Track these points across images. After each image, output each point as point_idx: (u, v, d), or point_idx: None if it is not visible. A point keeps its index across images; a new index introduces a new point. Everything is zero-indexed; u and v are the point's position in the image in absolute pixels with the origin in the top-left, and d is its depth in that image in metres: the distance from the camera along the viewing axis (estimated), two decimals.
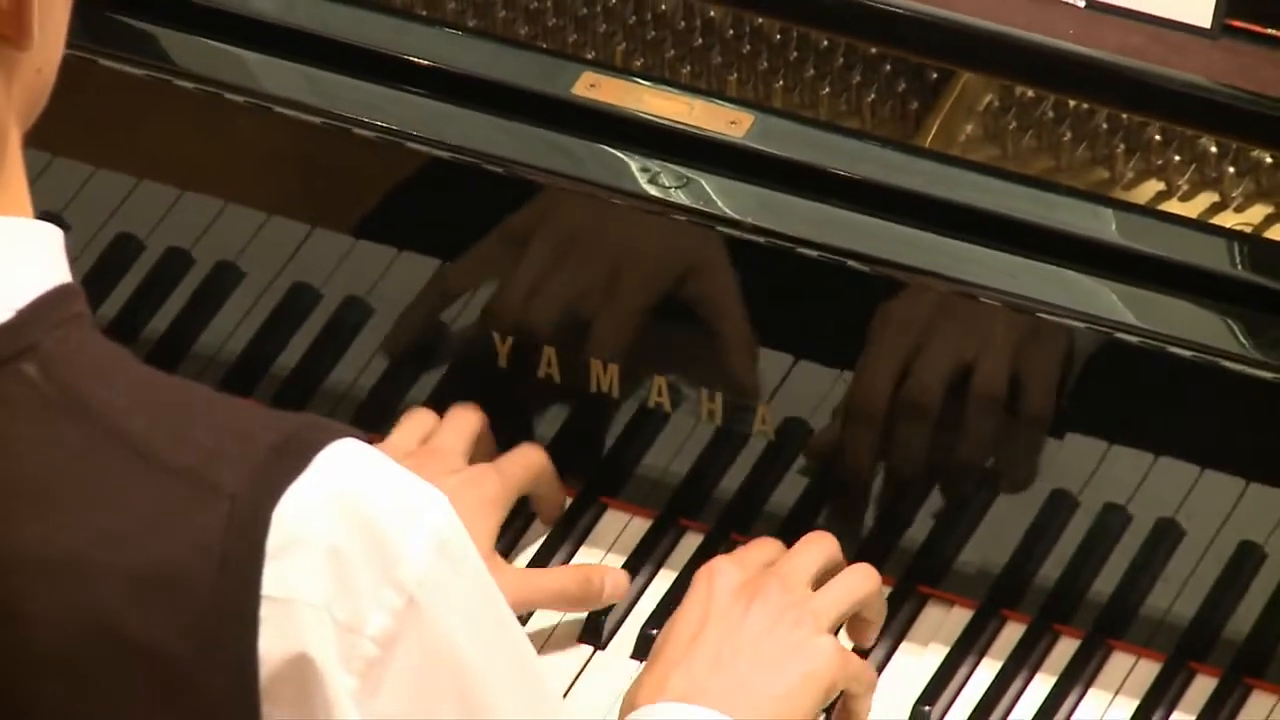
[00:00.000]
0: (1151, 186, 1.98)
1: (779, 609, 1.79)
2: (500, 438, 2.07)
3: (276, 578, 1.26)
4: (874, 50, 2.02)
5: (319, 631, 1.27)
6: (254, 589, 1.25)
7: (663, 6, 2.05)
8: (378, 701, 1.30)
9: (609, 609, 1.96)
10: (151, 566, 1.25)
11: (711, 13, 2.04)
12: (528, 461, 1.94)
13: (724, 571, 1.81)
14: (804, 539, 1.90)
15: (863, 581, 1.86)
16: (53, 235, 1.33)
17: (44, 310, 1.29)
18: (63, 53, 1.35)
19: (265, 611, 1.25)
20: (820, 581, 1.86)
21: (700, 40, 2.05)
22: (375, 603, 1.28)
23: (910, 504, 1.99)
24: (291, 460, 1.27)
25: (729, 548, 1.99)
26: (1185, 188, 1.98)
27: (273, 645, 1.26)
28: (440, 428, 1.94)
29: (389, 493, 1.31)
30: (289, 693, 1.27)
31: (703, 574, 1.81)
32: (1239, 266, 1.90)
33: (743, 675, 1.73)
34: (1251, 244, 1.92)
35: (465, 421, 1.94)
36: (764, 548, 1.88)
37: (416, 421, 1.95)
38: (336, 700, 1.28)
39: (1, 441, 1.27)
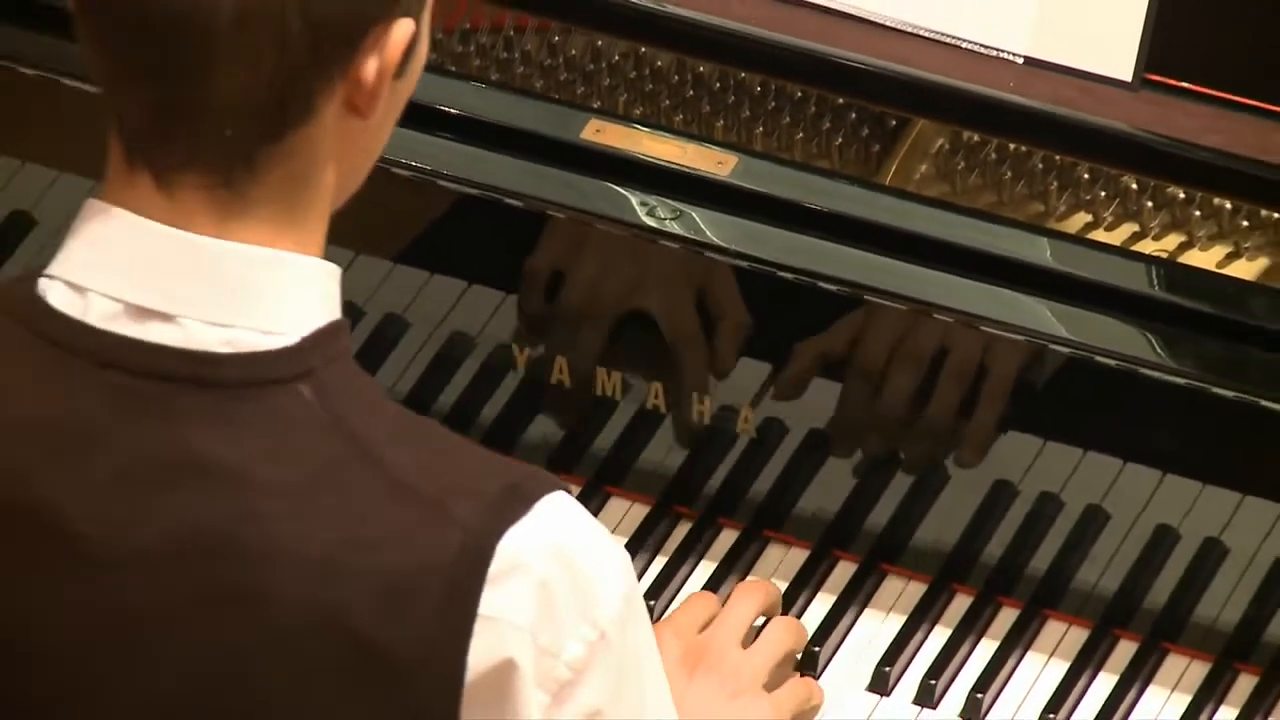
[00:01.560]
0: (1080, 218, 2.01)
1: (718, 680, 1.81)
2: (515, 436, 2.08)
3: (493, 600, 1.30)
4: (841, 100, 2.05)
5: (522, 650, 1.31)
6: (473, 607, 1.30)
7: (659, 63, 2.07)
8: (562, 712, 1.33)
9: None
10: (390, 576, 1.30)
11: (701, 68, 2.06)
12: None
13: (667, 644, 1.79)
14: (736, 592, 1.91)
15: (786, 636, 1.88)
16: (333, 274, 1.37)
17: (322, 341, 1.33)
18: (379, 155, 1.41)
19: (479, 627, 1.30)
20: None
21: (691, 92, 2.07)
22: (573, 633, 1.32)
23: (873, 491, 2.01)
24: (517, 504, 1.32)
25: (716, 531, 2.03)
26: (1110, 219, 2.01)
27: (480, 657, 1.30)
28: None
29: (593, 546, 1.35)
30: (485, 697, 1.32)
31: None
32: (1156, 288, 1.93)
33: None
34: (1167, 268, 1.96)
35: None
36: (698, 607, 1.89)
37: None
38: (522, 713, 1.32)
39: (274, 450, 1.31)
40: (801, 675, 1.91)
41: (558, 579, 1.31)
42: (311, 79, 1.31)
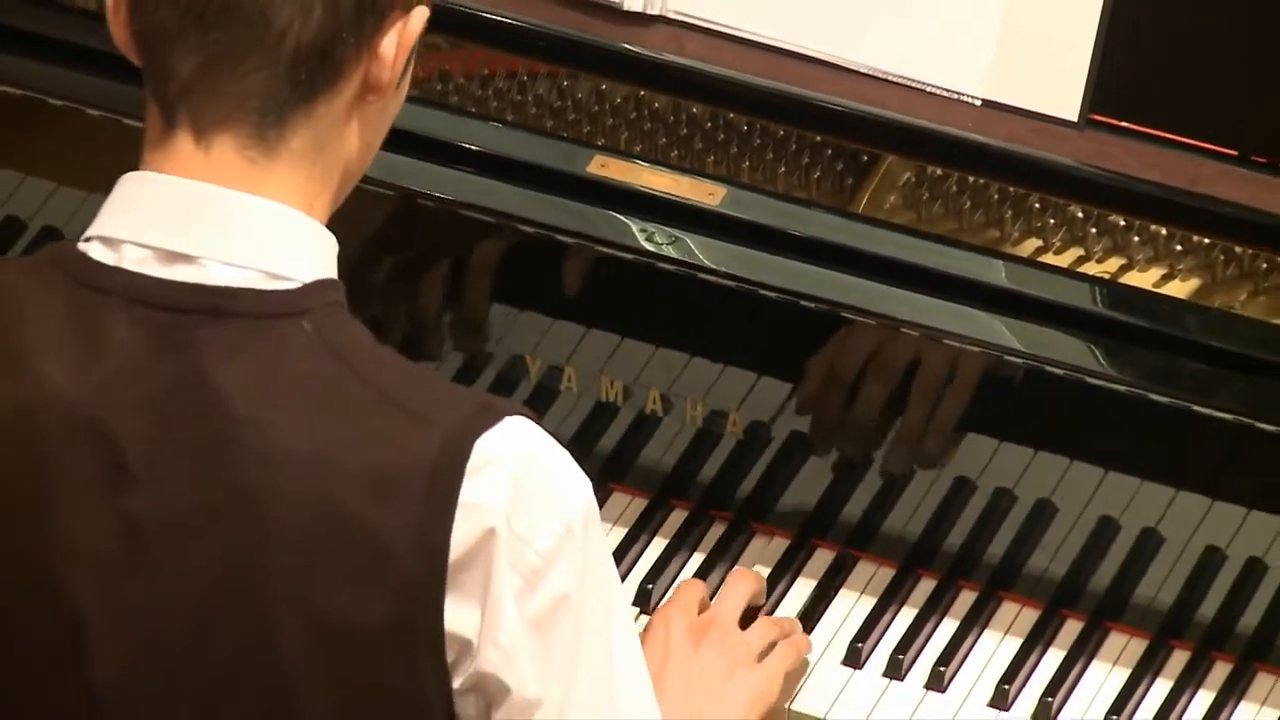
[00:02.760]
0: (1032, 243, 2.02)
1: (721, 649, 1.83)
2: None
3: (472, 489, 1.34)
4: (819, 138, 2.05)
5: (498, 532, 1.35)
6: (454, 495, 1.34)
7: (656, 105, 2.08)
8: (532, 601, 1.36)
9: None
10: (380, 468, 1.34)
11: (694, 109, 2.07)
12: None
13: (675, 619, 1.83)
14: (730, 578, 1.94)
15: (775, 625, 1.91)
16: (332, 241, 1.42)
17: (320, 289, 1.39)
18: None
19: (460, 514, 1.34)
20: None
21: (685, 130, 2.08)
22: (543, 523, 1.36)
23: (847, 487, 2.03)
24: (492, 414, 1.37)
25: (708, 523, 2.05)
26: (1058, 244, 2.01)
27: (461, 538, 1.34)
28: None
29: (558, 455, 1.40)
30: (466, 577, 1.35)
31: (659, 620, 1.84)
32: (1099, 305, 1.95)
33: (700, 704, 1.78)
34: (1109, 288, 1.97)
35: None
36: (693, 591, 1.91)
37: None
38: (500, 591, 1.35)
39: (277, 370, 1.36)
40: None
41: (528, 475, 1.36)
42: (346, 42, 1.36)
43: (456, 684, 1.37)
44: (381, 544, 1.34)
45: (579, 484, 1.40)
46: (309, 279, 1.38)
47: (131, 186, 1.40)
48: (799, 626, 1.95)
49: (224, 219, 1.37)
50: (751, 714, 1.80)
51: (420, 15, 1.40)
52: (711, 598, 1.96)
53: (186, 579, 1.36)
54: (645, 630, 1.84)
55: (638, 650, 1.46)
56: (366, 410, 1.36)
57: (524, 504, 1.36)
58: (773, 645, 1.88)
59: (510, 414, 1.38)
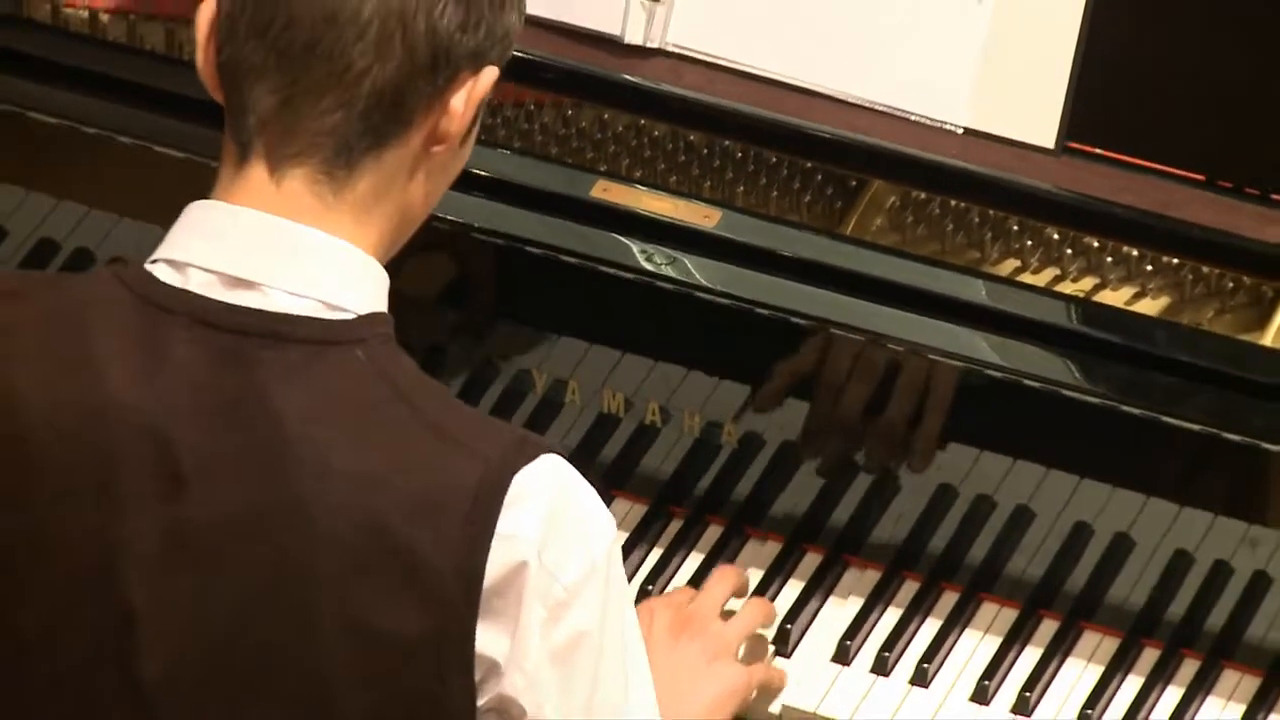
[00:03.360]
0: (1010, 263, 2.04)
1: (700, 645, 1.83)
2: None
3: (508, 520, 1.36)
4: (809, 165, 2.08)
5: (530, 564, 1.36)
6: (492, 524, 1.35)
7: (656, 132, 2.11)
8: (556, 632, 1.38)
9: None
10: (424, 491, 1.35)
11: (691, 137, 2.10)
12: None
13: (658, 613, 1.85)
14: (713, 575, 1.95)
15: (756, 614, 1.92)
16: (384, 277, 1.44)
17: (373, 321, 1.41)
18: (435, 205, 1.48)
19: (496, 542, 1.35)
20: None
21: (683, 157, 2.11)
22: (572, 558, 1.38)
23: (836, 494, 2.04)
24: (530, 450, 1.39)
25: (703, 527, 2.06)
26: (1035, 264, 2.04)
27: (497, 566, 1.35)
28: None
29: (589, 494, 1.41)
30: (498, 603, 1.36)
31: (643, 613, 1.77)
32: (1074, 322, 1.96)
33: (680, 692, 1.78)
34: (1083, 306, 1.98)
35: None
36: (680, 591, 1.93)
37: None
38: (529, 621, 1.37)
39: (331, 393, 1.38)
40: (775, 648, 1.95)
41: (560, 512, 1.37)
42: (419, 91, 1.38)
43: (481, 701, 1.38)
44: (421, 562, 1.35)
45: (605, 523, 1.41)
46: (363, 311, 1.40)
47: (200, 214, 1.42)
48: (775, 614, 1.95)
49: (290, 250, 1.39)
50: (727, 704, 1.81)
51: (490, 74, 1.41)
52: None
53: (234, 580, 1.37)
54: None
55: (649, 681, 1.47)
56: (414, 435, 1.37)
57: (555, 539, 1.37)
58: (754, 634, 1.91)
59: (546, 451, 1.39)
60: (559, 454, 1.40)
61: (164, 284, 1.40)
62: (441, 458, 1.37)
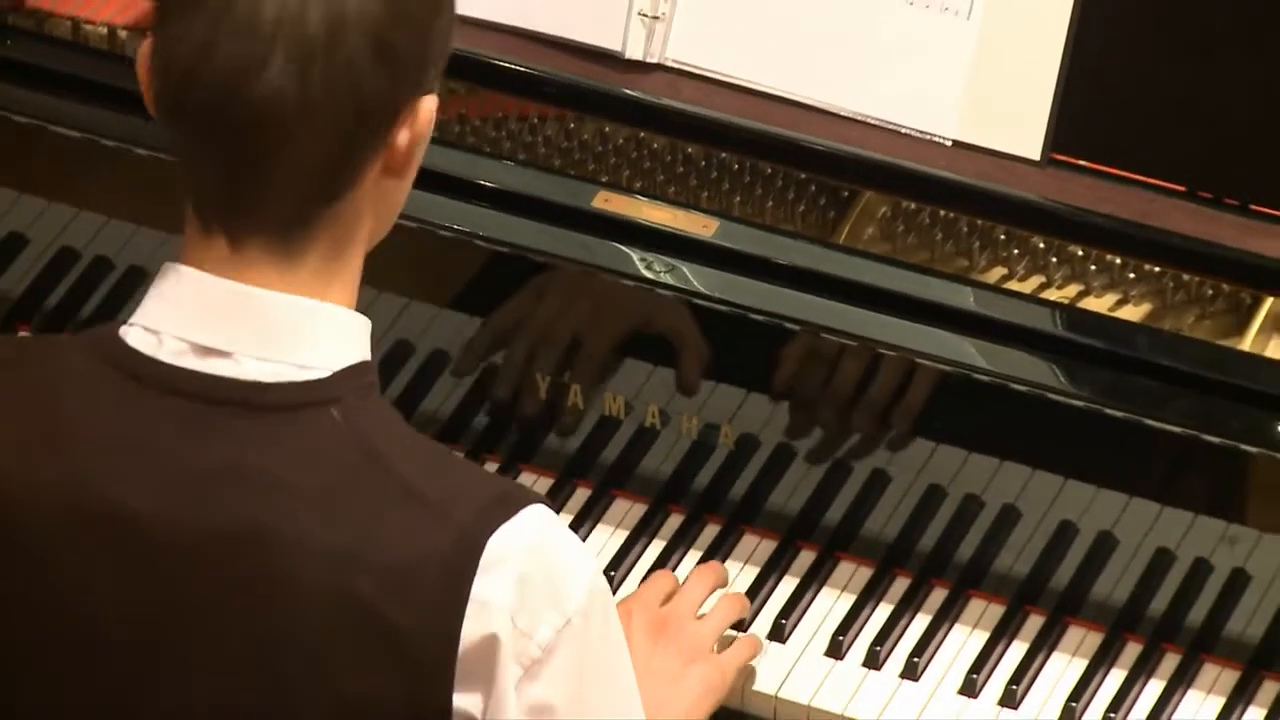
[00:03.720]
0: (998, 271, 2.05)
1: (677, 648, 1.82)
2: (536, 448, 2.11)
3: (482, 585, 1.34)
4: (803, 176, 2.08)
5: (504, 629, 1.34)
6: (466, 592, 1.33)
7: (655, 145, 2.11)
8: (532, 688, 1.36)
9: (616, 567, 2.01)
10: (397, 563, 1.33)
11: (690, 149, 2.11)
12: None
13: (636, 614, 1.83)
14: (693, 574, 1.94)
15: (731, 610, 1.92)
16: (362, 323, 1.40)
17: (351, 375, 1.37)
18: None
19: (471, 608, 1.33)
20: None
21: (681, 168, 2.11)
22: (544, 618, 1.36)
23: (829, 493, 2.05)
24: (505, 509, 1.36)
25: (701, 525, 2.06)
26: (1021, 273, 2.04)
27: (471, 630, 1.34)
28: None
29: (565, 549, 1.39)
30: (473, 667, 1.35)
31: (621, 614, 1.70)
32: (1059, 328, 1.97)
33: (659, 695, 1.77)
34: (1068, 312, 2.00)
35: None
36: (660, 583, 1.91)
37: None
38: (504, 682, 1.35)
39: (306, 461, 1.35)
40: (770, 642, 1.96)
41: (534, 573, 1.35)
42: (360, 152, 1.34)
43: None
44: (397, 632, 1.33)
45: (581, 576, 1.38)
46: (340, 365, 1.37)
47: (170, 280, 1.39)
48: (748, 607, 1.96)
49: (255, 317, 1.36)
50: (704, 703, 1.81)
51: (429, 104, 1.37)
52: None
53: (212, 654, 1.35)
54: None
55: (638, 707, 1.45)
56: (387, 503, 1.35)
57: (528, 601, 1.35)
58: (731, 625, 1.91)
59: (525, 505, 1.37)
60: (541, 502, 1.38)
61: (137, 352, 1.38)
62: (414, 526, 1.35)
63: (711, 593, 1.92)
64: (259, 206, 1.35)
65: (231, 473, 1.35)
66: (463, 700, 1.36)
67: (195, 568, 1.35)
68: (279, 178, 1.34)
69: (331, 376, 1.37)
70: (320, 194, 1.35)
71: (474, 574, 1.34)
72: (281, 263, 1.36)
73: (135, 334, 1.38)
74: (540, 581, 1.36)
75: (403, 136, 1.37)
